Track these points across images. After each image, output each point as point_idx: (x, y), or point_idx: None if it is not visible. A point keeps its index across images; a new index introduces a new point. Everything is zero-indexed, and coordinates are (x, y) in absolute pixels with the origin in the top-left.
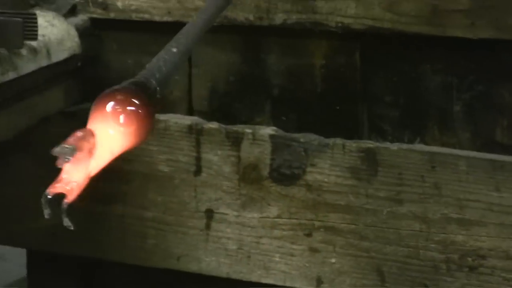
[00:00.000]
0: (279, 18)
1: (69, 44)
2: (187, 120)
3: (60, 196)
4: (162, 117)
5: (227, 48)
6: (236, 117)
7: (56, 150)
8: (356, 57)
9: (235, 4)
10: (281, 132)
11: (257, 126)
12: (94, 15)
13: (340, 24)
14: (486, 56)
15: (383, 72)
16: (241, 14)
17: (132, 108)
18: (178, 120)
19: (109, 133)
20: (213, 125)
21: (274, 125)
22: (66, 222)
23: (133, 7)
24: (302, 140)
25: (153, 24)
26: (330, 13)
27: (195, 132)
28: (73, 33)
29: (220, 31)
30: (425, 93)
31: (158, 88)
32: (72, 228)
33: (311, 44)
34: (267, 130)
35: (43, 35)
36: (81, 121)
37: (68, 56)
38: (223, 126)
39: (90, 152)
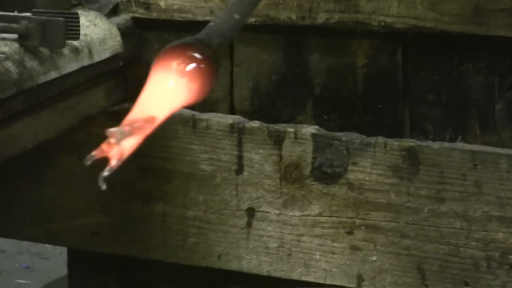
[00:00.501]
0: (321, 18)
1: (111, 44)
2: (229, 119)
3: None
4: (203, 116)
5: (269, 47)
6: (278, 116)
7: (111, 131)
8: (398, 57)
9: (277, 3)
10: (323, 131)
11: (299, 125)
12: (136, 15)
13: (382, 23)
14: None
15: (425, 71)
16: (283, 13)
17: (197, 62)
18: (220, 119)
19: (172, 87)
20: (255, 124)
21: (316, 124)
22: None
23: (175, 7)
24: (344, 138)
25: (195, 23)
26: (372, 12)
27: (237, 131)
28: (115, 32)
29: (262, 30)
30: (467, 92)
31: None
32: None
33: (353, 44)
34: (309, 129)
35: (85, 35)
36: (123, 120)
37: (110, 56)
38: (265, 125)
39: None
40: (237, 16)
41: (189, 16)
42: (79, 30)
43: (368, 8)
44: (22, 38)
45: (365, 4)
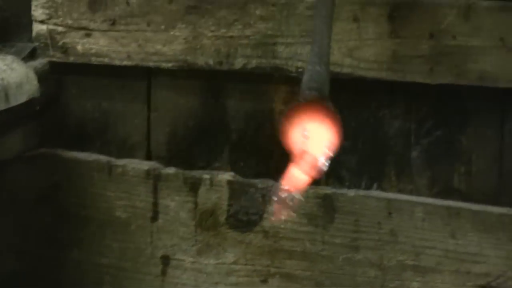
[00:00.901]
0: (239, 63)
1: (28, 88)
2: (145, 165)
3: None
4: (119, 162)
5: (186, 92)
6: (194, 162)
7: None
8: None
9: (195, 48)
10: (239, 178)
11: (215, 172)
12: (54, 59)
13: (300, 69)
14: (444, 102)
15: (342, 117)
16: (201, 58)
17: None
18: (136, 165)
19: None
20: (171, 170)
21: (233, 171)
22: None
23: (93, 51)
24: (260, 186)
25: (112, 68)
26: (289, 58)
27: (153, 178)
28: (32, 76)
29: (179, 75)
30: (383, 139)
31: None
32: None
33: (270, 89)
34: (225, 176)
35: (2, 79)
36: (39, 166)
37: (27, 100)
38: (181, 171)
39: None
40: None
41: (106, 60)
42: None
43: (285, 54)
44: None
45: (282, 50)
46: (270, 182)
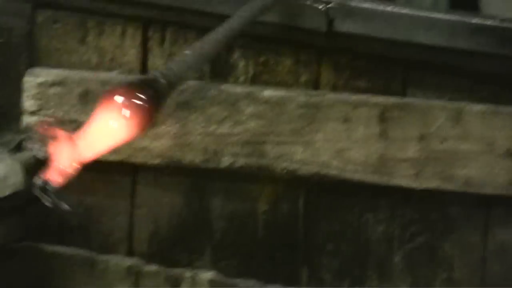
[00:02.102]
0: (226, 161)
1: (13, 181)
2: (127, 261)
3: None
4: (102, 257)
5: (171, 190)
6: (177, 261)
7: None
8: (299, 204)
9: (183, 144)
10: (220, 277)
11: (196, 270)
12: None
13: (286, 170)
14: (429, 207)
15: (326, 220)
16: (188, 155)
17: (135, 102)
18: (118, 261)
19: (110, 124)
20: (153, 268)
21: (215, 269)
22: (51, 202)
23: None
24: (241, 285)
25: (98, 162)
26: (277, 158)
27: (134, 274)
28: (18, 169)
29: (165, 172)
30: (367, 243)
31: (167, 85)
32: (68, 209)
33: (255, 189)
34: (207, 275)
35: None
36: (21, 259)
37: (12, 193)
38: (163, 269)
39: (72, 139)
40: (187, 52)
41: None
42: None
43: (273, 153)
44: None
45: (270, 149)
46: (251, 283)
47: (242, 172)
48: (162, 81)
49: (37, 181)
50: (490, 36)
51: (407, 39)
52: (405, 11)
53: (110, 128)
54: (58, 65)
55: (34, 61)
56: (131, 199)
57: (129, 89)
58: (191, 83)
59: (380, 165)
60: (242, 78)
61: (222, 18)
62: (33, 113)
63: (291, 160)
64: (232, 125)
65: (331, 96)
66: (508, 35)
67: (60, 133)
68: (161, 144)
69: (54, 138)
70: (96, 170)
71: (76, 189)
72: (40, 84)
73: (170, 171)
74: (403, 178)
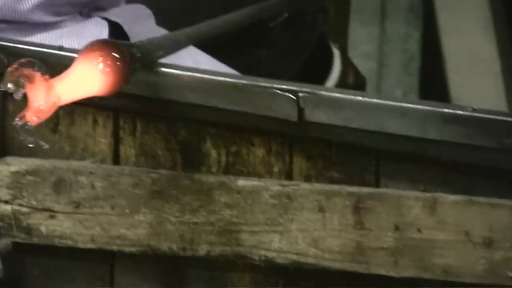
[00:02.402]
0: (202, 249)
1: None
2: None
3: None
4: None
5: (150, 277)
6: None
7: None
8: None
9: (159, 233)
10: None
11: None
12: (17, 239)
13: (263, 258)
14: None
15: None
16: (164, 243)
17: (111, 58)
18: None
19: (87, 74)
20: None
21: None
22: (29, 141)
23: (56, 233)
24: None
25: (76, 250)
26: (254, 246)
27: None
28: None
29: (142, 260)
30: None
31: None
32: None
33: (234, 277)
34: None
35: None
36: None
37: None
38: None
39: (47, 80)
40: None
41: (70, 242)
42: None
43: (249, 242)
44: None
45: (247, 237)
46: None
47: (220, 260)
48: (136, 50)
49: (17, 121)
50: (462, 126)
51: (378, 129)
52: (375, 100)
53: (85, 78)
54: (30, 154)
55: (6, 150)
56: (110, 287)
57: (109, 46)
58: (164, 173)
59: (357, 254)
60: (214, 168)
61: (193, 107)
62: (7, 202)
63: (268, 249)
64: (206, 214)
65: (304, 186)
66: (481, 125)
67: (36, 74)
68: (137, 232)
69: (30, 79)
70: (74, 258)
71: (55, 277)
72: (14, 173)
73: (148, 259)
74: (382, 267)
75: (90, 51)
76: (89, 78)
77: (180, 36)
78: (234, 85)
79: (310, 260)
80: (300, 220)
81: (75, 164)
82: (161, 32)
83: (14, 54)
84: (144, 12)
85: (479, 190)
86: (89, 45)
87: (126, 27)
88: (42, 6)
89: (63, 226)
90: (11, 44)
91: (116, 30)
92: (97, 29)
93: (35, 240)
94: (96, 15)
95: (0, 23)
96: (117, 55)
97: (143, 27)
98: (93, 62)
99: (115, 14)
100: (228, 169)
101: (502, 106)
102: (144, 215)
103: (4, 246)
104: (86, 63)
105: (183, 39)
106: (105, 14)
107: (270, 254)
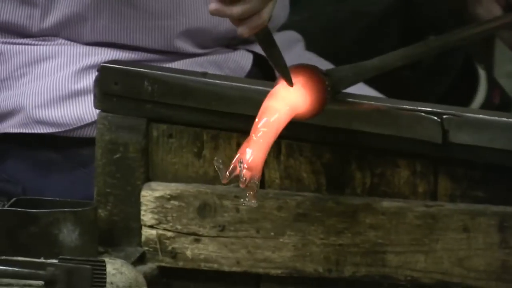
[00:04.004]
0: (348, 271)
1: None
2: None
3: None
4: None
5: None
6: None
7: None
8: None
9: (304, 255)
10: None
11: None
12: (163, 264)
13: (409, 278)
14: None
15: None
16: (310, 265)
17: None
18: None
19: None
20: None
21: None
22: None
23: (202, 257)
24: None
25: (222, 273)
26: (399, 267)
27: None
28: (142, 281)
29: (288, 281)
30: None
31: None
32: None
33: None
34: None
35: (111, 283)
36: None
37: None
38: None
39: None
40: (374, 62)
41: (215, 266)
42: (105, 278)
43: (395, 263)
44: (48, 285)
45: (392, 258)
46: None
47: (365, 281)
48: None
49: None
50: None
51: None
52: None
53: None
54: (174, 179)
55: (150, 175)
56: None
57: (312, 71)
58: (309, 195)
59: (503, 272)
60: (359, 190)
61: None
62: (152, 226)
63: (414, 269)
64: (351, 235)
65: (449, 206)
66: None
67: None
68: (282, 255)
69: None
70: (219, 281)
71: None
72: (158, 198)
73: (294, 281)
74: None
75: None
76: (295, 100)
77: (363, 67)
78: (377, 109)
79: (455, 280)
80: (445, 240)
81: (219, 188)
82: (310, 57)
83: (158, 82)
84: (294, 38)
85: None
86: (298, 68)
87: None
88: (188, 38)
89: (208, 250)
90: (155, 71)
91: (260, 61)
92: (242, 60)
93: (181, 264)
94: (242, 47)
95: (154, 53)
96: (323, 82)
97: (290, 54)
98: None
99: None
100: (372, 191)
101: None
102: (289, 238)
103: (150, 270)
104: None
105: (365, 70)
106: (252, 47)
107: (416, 274)
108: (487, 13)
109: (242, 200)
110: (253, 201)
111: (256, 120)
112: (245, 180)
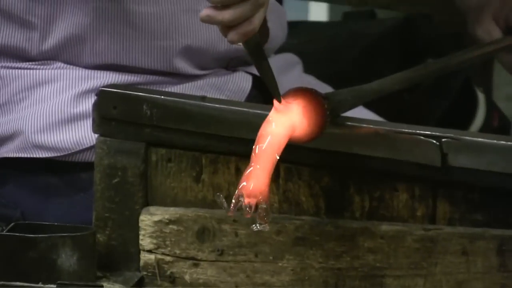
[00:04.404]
0: None
1: None
2: None
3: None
4: None
5: None
6: None
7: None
8: None
9: (302, 279)
10: None
11: None
12: None
13: None
14: None
15: None
16: None
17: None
18: None
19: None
20: None
21: None
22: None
23: (200, 281)
24: None
25: None
26: None
27: None
28: None
29: None
30: None
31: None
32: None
33: None
34: None
35: None
36: None
37: None
38: None
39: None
40: (373, 86)
41: None
42: None
43: (394, 286)
44: None
45: (391, 282)
46: None
47: None
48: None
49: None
50: None
51: None
52: None
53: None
54: (173, 203)
55: (149, 200)
56: None
57: (311, 93)
58: (307, 219)
59: None
60: (358, 213)
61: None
62: (150, 251)
63: None
64: (350, 259)
65: (448, 230)
66: None
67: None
68: (281, 279)
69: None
70: None
71: None
72: (157, 223)
73: None
74: None
75: (298, 98)
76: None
77: (362, 90)
78: (376, 132)
79: None
80: (444, 263)
81: (218, 212)
82: (308, 79)
83: (157, 105)
84: (293, 60)
85: None
86: (297, 91)
87: None
88: (187, 58)
89: (207, 274)
90: (154, 95)
91: (260, 83)
92: (241, 82)
93: None
94: (242, 69)
95: (153, 74)
96: (322, 105)
97: (288, 76)
98: (302, 108)
99: None
100: (371, 214)
101: None
102: (288, 262)
103: None
104: (294, 108)
105: (364, 94)
106: (251, 69)
107: None
108: (487, 34)
109: (253, 225)
110: (264, 225)
111: (255, 145)
112: (251, 210)
